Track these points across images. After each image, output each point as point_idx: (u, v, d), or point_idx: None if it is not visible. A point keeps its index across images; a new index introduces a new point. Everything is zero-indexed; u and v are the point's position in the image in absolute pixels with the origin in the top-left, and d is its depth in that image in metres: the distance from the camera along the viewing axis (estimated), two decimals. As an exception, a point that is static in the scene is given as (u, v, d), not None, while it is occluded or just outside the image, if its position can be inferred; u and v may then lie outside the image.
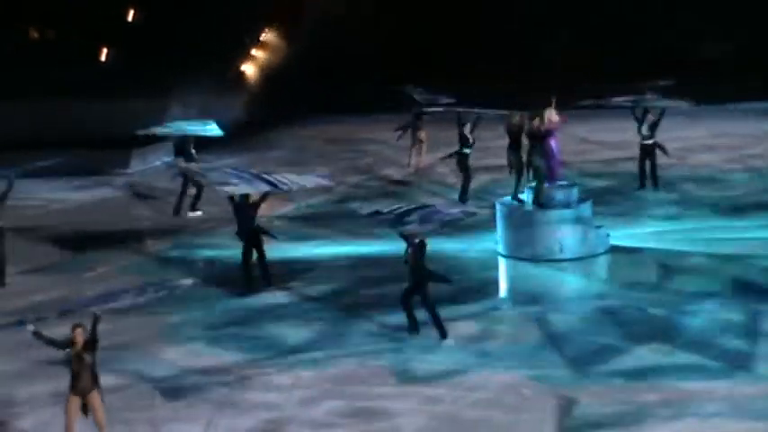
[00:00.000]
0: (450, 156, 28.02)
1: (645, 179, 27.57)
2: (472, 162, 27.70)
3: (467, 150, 27.42)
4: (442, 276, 18.81)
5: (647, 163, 27.49)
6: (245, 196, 21.47)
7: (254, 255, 21.51)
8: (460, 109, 27.83)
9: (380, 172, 32.08)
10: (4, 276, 22.55)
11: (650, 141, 27.39)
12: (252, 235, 21.42)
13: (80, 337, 14.51)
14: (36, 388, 16.78)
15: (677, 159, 30.07)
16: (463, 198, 27.14)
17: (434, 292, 18.66)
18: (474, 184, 28.37)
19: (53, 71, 35.63)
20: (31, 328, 14.60)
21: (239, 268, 21.58)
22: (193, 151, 27.56)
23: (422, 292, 18.32)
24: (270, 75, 41.16)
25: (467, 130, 27.37)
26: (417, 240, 18.27)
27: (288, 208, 27.50)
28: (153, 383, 17.10)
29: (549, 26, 42.10)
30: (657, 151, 27.51)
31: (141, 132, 29.04)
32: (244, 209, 21.46)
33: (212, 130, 27.97)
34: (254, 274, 21.48)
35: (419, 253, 18.24)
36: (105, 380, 16.22)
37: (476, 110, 27.11)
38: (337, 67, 39.81)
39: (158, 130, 28.95)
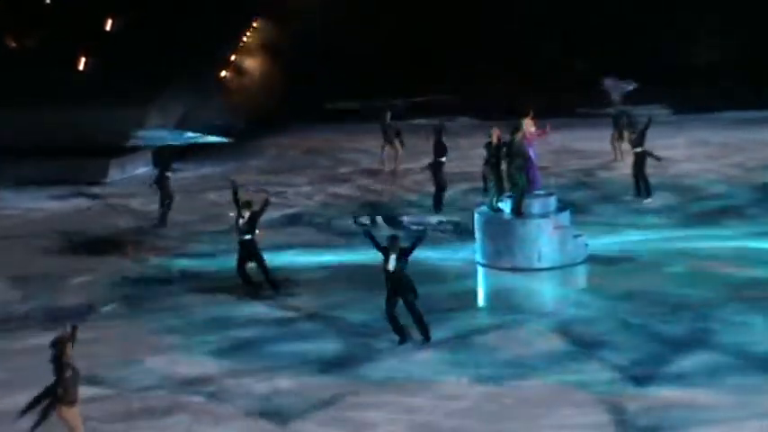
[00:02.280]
0: (428, 167, 28.14)
1: (639, 187, 27.63)
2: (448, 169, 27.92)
3: (443, 159, 27.61)
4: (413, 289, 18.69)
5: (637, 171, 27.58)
6: (246, 207, 21.51)
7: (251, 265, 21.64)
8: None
9: (359, 181, 32.11)
10: None
11: (640, 149, 27.49)
12: (249, 245, 21.42)
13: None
14: (18, 398, 16.68)
15: (657, 168, 30.24)
16: (438, 207, 27.32)
17: (416, 302, 18.70)
18: (453, 193, 28.52)
19: (31, 79, 35.58)
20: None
21: (233, 275, 21.61)
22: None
23: (405, 299, 18.35)
24: (249, 84, 41.25)
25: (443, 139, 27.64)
26: (399, 247, 18.31)
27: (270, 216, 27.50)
28: (132, 393, 17.05)
29: (544, 29, 42.48)
30: (648, 159, 27.61)
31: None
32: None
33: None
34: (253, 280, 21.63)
35: (403, 260, 18.27)
36: (84, 390, 16.22)
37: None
38: (322, 73, 39.94)
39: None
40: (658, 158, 27.88)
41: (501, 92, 36.49)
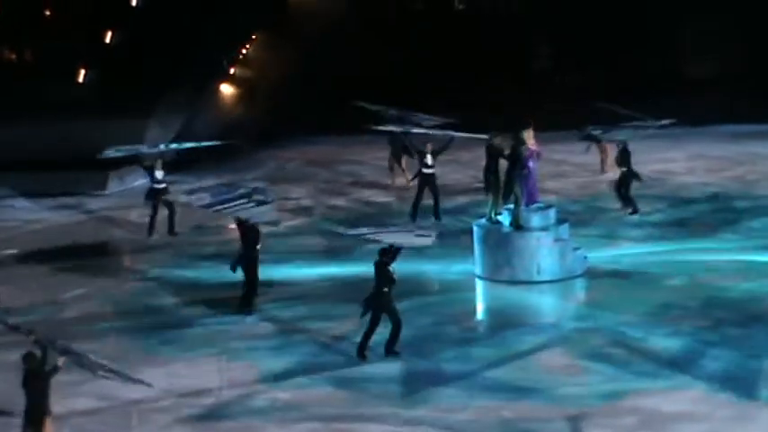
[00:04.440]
0: (415, 177, 28.09)
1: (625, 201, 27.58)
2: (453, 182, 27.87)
3: (428, 171, 27.55)
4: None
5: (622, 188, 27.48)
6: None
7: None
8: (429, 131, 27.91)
9: (358, 193, 32.10)
10: None
11: (624, 168, 27.34)
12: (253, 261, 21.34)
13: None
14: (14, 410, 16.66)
15: (656, 181, 30.27)
16: (437, 217, 27.38)
17: (415, 315, 18.70)
18: (451, 205, 28.53)
19: (31, 92, 35.56)
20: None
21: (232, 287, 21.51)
22: (159, 173, 27.42)
23: (392, 313, 18.34)
24: (249, 95, 41.25)
25: (427, 149, 27.53)
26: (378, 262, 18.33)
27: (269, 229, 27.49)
28: (130, 405, 17.02)
29: (539, 45, 42.60)
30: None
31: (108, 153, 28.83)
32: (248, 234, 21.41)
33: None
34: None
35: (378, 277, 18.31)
36: (83, 402, 16.27)
37: (450, 133, 27.23)
38: (322, 86, 39.97)
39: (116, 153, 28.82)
40: (640, 179, 27.71)
41: (499, 105, 36.55)
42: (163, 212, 27.32)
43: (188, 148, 29.75)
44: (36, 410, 14.46)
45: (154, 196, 27.41)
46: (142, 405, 16.98)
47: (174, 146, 29.68)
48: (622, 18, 40.81)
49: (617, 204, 27.62)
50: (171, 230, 27.42)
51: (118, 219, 30.43)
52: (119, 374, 14.75)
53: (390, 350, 18.45)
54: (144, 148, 28.76)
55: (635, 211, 27.17)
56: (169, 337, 20.16)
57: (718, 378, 17.09)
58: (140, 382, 15.04)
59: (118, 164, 33.68)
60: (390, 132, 31.33)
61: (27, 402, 14.54)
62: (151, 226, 27.41)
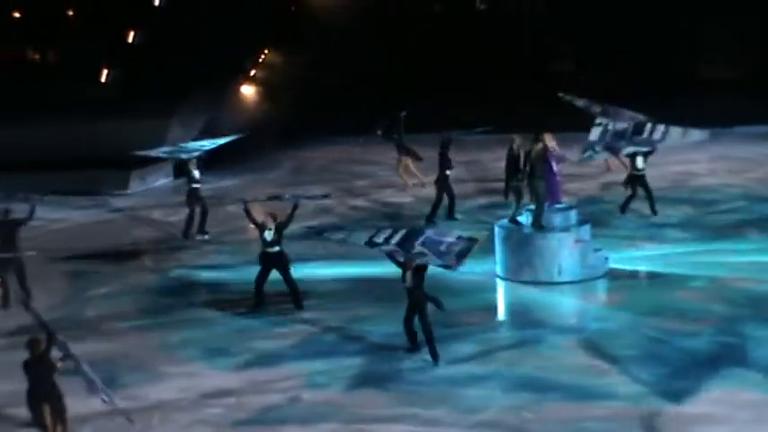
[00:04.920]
0: (438, 180, 28.01)
1: (628, 205, 27.58)
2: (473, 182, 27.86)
3: (448, 172, 27.56)
4: (437, 300, 18.77)
5: (638, 191, 27.41)
6: (271, 218, 21.38)
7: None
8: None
9: (377, 194, 32.11)
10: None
11: (642, 172, 27.30)
12: (276, 258, 21.36)
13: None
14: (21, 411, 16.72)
15: (677, 182, 30.18)
16: (452, 216, 27.46)
17: (436, 315, 18.70)
18: (472, 206, 28.50)
19: (53, 92, 35.69)
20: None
21: (252, 287, 21.49)
22: (197, 172, 27.53)
23: (421, 315, 18.36)
24: (271, 95, 41.34)
25: (447, 151, 27.56)
26: (416, 264, 18.29)
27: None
28: (151, 404, 17.09)
29: (557, 46, 42.59)
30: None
31: (140, 153, 29.11)
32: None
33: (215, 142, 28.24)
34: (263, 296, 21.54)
35: (418, 276, 18.28)
36: (104, 402, 16.27)
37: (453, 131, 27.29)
38: (340, 87, 40.03)
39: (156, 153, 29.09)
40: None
41: (517, 106, 36.57)
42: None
43: (221, 144, 29.81)
44: (37, 396, 14.60)
45: (190, 195, 27.52)
46: (163, 404, 17.06)
47: (207, 144, 29.73)
48: (641, 18, 40.78)
49: (632, 205, 27.57)
50: (201, 230, 27.49)
51: (140, 218, 30.56)
52: (107, 395, 14.96)
53: (431, 353, 18.38)
54: (181, 151, 28.93)
55: (654, 211, 27.18)
56: (191, 337, 20.22)
57: (739, 380, 17.04)
58: (124, 412, 15.43)
59: (141, 163, 33.86)
60: (397, 136, 31.50)
61: (30, 387, 14.70)
62: (188, 226, 27.51)
